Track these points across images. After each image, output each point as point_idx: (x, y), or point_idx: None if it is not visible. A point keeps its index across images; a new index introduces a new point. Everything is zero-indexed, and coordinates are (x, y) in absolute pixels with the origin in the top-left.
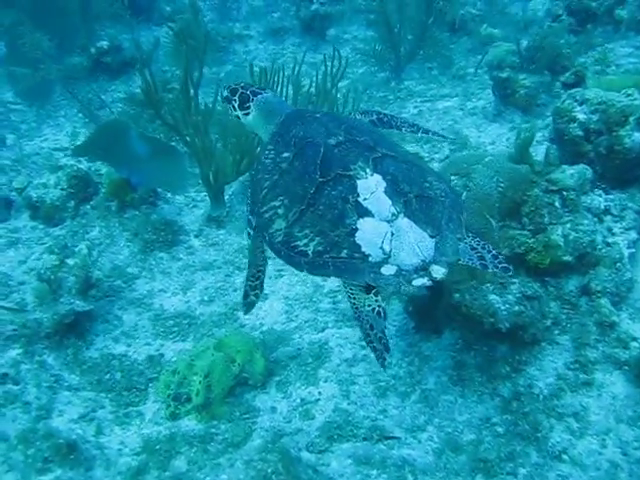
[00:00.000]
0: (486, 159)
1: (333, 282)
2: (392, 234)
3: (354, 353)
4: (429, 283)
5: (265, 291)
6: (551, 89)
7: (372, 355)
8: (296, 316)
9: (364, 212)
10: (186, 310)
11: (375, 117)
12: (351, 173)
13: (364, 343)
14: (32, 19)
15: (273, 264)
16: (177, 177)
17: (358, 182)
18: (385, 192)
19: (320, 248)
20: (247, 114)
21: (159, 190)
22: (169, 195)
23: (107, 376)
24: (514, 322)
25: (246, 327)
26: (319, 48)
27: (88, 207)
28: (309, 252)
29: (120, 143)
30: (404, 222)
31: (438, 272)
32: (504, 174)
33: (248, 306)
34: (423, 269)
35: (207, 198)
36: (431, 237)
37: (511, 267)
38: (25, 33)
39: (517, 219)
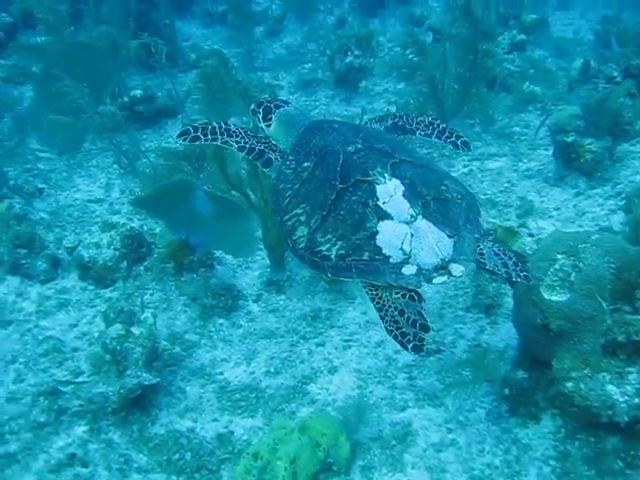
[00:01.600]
0: (593, 237)
1: (407, 356)
2: (412, 235)
3: (441, 437)
4: (449, 280)
5: (334, 363)
6: (612, 153)
7: (459, 440)
8: (371, 392)
9: (384, 215)
10: (251, 382)
11: (390, 122)
12: (370, 178)
13: (451, 426)
14: (63, 67)
15: (339, 334)
16: (244, 240)
17: (377, 187)
18: (404, 195)
19: (342, 252)
20: (269, 125)
21: (216, 252)
22: (222, 255)
23: (176, 456)
24: (634, 416)
25: (318, 403)
26: (352, 101)
27: (141, 268)
28: (332, 256)
29: (184, 203)
30: (423, 223)
31: (457, 270)
32: (615, 254)
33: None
34: (443, 267)
35: (260, 259)
36: (449, 237)
37: (530, 276)
38: (56, 81)
39: (631, 302)
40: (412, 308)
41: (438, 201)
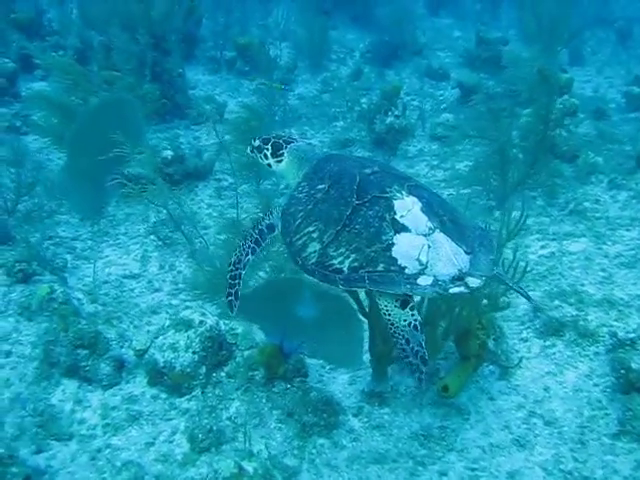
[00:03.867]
0: None
1: None
2: (429, 247)
3: None
4: (466, 291)
5: None
6: None
7: None
8: None
9: (401, 228)
10: None
11: None
12: (387, 195)
13: None
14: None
15: (461, 459)
16: (349, 348)
17: (394, 202)
18: (422, 210)
19: (356, 264)
20: (280, 161)
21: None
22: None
23: None
24: None
25: None
26: (391, 163)
27: (223, 374)
28: (344, 269)
29: (285, 304)
30: (441, 236)
31: (474, 283)
32: None
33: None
34: (459, 279)
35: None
36: (466, 253)
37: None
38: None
39: None
40: (416, 338)
41: (454, 223)
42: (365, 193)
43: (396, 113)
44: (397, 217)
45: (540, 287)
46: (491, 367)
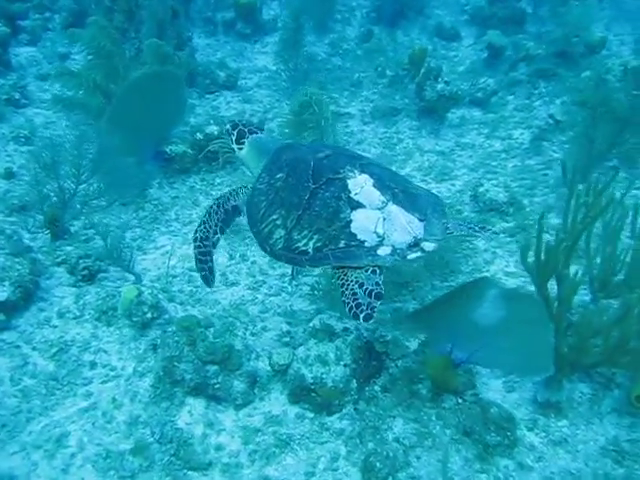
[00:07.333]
0: None
1: None
2: (384, 219)
3: None
4: (422, 255)
5: None
6: None
7: None
8: None
9: (356, 205)
10: None
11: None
12: (341, 176)
13: None
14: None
15: None
16: (537, 354)
17: (348, 181)
18: (374, 186)
19: (319, 244)
20: (241, 149)
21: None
22: None
23: None
24: None
25: None
26: (439, 133)
27: (377, 388)
28: (309, 250)
29: (467, 307)
30: (394, 208)
31: (429, 247)
32: None
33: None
34: (415, 245)
35: None
36: (420, 220)
37: (492, 228)
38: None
39: None
40: (371, 280)
41: (406, 193)
42: (320, 176)
43: (446, 79)
44: (352, 195)
45: None
46: None
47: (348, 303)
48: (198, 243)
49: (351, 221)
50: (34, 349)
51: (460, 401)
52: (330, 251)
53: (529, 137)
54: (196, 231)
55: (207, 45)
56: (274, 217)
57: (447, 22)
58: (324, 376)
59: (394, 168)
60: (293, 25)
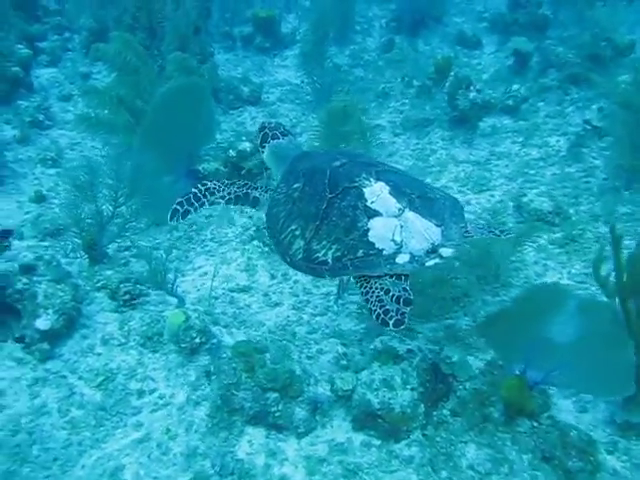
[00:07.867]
0: None
1: None
2: (401, 227)
3: None
4: (441, 262)
5: None
6: None
7: None
8: None
9: (373, 213)
10: None
11: None
12: (357, 184)
13: None
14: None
15: None
16: (620, 373)
17: (364, 190)
18: (390, 193)
19: (338, 254)
20: (263, 152)
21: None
22: None
23: None
24: None
25: None
26: (473, 143)
27: (445, 412)
28: (328, 260)
29: (543, 321)
30: (410, 215)
31: (447, 252)
32: None
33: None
34: (433, 251)
35: None
36: (437, 226)
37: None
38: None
39: None
40: (398, 286)
41: (422, 199)
42: (336, 186)
43: (477, 88)
44: (368, 203)
45: None
46: None
47: (375, 310)
48: (201, 188)
49: (368, 230)
50: (80, 378)
51: (536, 424)
52: (349, 261)
53: (566, 144)
54: (210, 181)
55: (226, 60)
56: (293, 227)
57: (467, 30)
58: (391, 401)
59: (429, 180)
60: (314, 37)
